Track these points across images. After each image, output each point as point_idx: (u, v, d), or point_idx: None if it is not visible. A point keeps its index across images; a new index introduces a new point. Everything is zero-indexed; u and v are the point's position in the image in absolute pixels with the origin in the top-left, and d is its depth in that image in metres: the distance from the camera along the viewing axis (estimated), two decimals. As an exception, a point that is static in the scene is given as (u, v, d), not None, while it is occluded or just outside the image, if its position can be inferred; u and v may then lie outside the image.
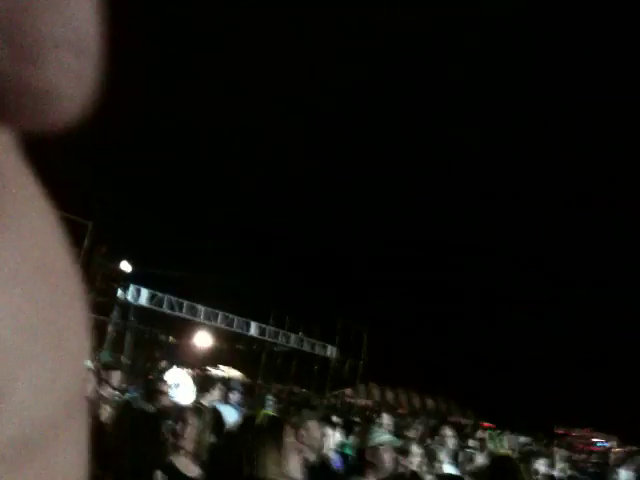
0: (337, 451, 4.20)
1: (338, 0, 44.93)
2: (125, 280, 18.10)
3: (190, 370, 12.58)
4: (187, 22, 46.93)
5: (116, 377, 5.25)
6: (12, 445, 0.16)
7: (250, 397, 11.37)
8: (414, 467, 4.10)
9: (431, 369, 36.72)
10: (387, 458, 3.33)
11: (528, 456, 4.63)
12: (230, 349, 28.42)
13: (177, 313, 20.06)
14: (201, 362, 24.01)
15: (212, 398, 5.36)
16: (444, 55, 48.12)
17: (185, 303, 20.19)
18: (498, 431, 8.69)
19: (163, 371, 7.56)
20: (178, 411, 3.38)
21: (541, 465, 4.35)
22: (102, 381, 4.92)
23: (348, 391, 29.95)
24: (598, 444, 20.46)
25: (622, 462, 6.88)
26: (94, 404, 4.16)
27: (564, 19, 43.08)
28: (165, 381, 5.35)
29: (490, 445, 5.48)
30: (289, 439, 2.02)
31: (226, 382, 6.07)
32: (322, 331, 25.42)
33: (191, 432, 3.12)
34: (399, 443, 3.74)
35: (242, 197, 45.75)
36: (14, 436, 0.16)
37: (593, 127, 44.65)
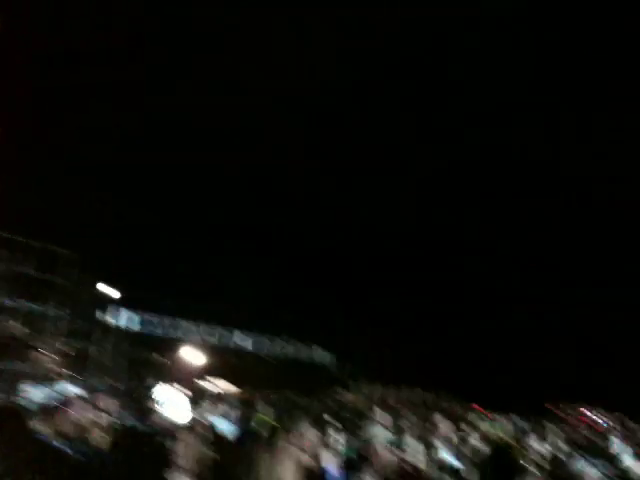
0: (336, 454, 4.21)
1: (338, 0, 44.91)
2: (114, 305, 18.18)
3: (182, 387, 12.58)
4: (187, 22, 46.96)
5: (112, 403, 5.24)
6: None
7: (244, 408, 11.38)
8: (410, 457, 4.12)
9: (417, 359, 36.84)
10: (382, 452, 3.34)
11: (523, 437, 4.67)
12: (220, 362, 28.56)
13: (167, 333, 20.07)
14: (193, 378, 24.08)
15: (206, 413, 5.38)
16: (444, 55, 48.06)
17: (174, 322, 20.25)
18: (489, 412, 8.79)
19: (149, 388, 7.54)
20: (173, 429, 3.40)
21: (536, 443, 4.39)
22: (96, 408, 4.93)
23: (339, 389, 30.02)
24: (593, 418, 20.77)
25: (616, 435, 6.98)
26: (90, 431, 4.17)
27: (564, 19, 43.06)
28: (153, 399, 5.34)
29: (482, 427, 5.54)
30: (283, 445, 2.05)
31: (219, 396, 6.06)
32: (310, 332, 25.56)
33: (187, 449, 3.16)
34: (393, 436, 3.74)
35: (242, 197, 45.77)
36: None
37: (593, 127, 44.61)
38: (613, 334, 38.11)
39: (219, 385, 25.43)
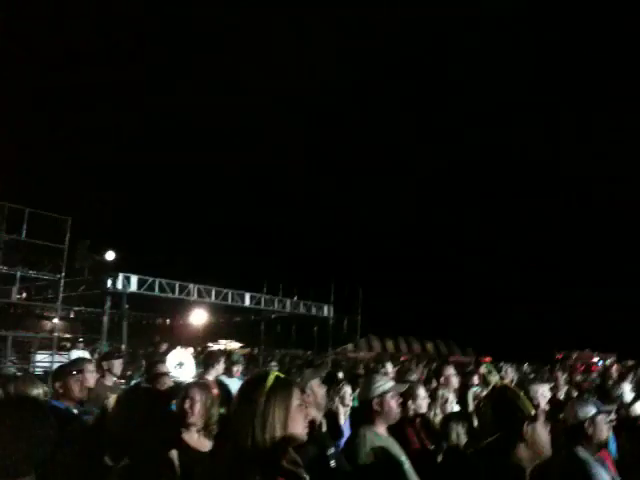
0: (346, 408, 4.16)
1: (338, 0, 45.13)
2: (113, 270, 18.10)
3: (191, 348, 12.50)
4: (187, 22, 47.10)
5: (118, 366, 5.19)
6: None
7: (254, 367, 11.28)
8: (422, 410, 4.04)
9: (427, 313, 36.93)
10: (394, 404, 3.27)
11: (529, 383, 4.61)
12: (228, 323, 28.64)
13: (169, 295, 19.96)
14: (200, 339, 24.06)
15: (216, 373, 5.34)
16: (444, 55, 48.32)
17: (177, 284, 20.13)
18: (496, 363, 8.73)
19: (165, 354, 7.50)
20: (184, 389, 3.34)
21: (545, 390, 4.32)
22: (104, 372, 4.90)
23: (350, 347, 30.14)
24: (599, 363, 21.02)
25: (622, 377, 6.94)
26: (100, 394, 4.12)
27: (564, 19, 43.25)
28: (166, 363, 5.29)
29: (493, 379, 5.47)
30: (295, 401, 1.97)
31: (228, 355, 6.02)
32: (317, 291, 25.50)
33: (199, 408, 3.11)
34: (404, 388, 3.67)
35: (242, 197, 45.80)
36: None
37: (593, 127, 44.74)
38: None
39: (226, 345, 25.52)
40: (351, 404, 4.23)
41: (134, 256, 21.24)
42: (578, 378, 8.21)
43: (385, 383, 3.40)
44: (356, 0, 44.82)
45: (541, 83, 48.04)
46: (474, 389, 5.00)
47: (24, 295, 18.04)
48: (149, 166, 41.14)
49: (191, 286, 20.82)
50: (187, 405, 3.13)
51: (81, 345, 14.86)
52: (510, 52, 44.36)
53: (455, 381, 4.81)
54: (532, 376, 8.07)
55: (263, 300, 23.50)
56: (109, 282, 17.83)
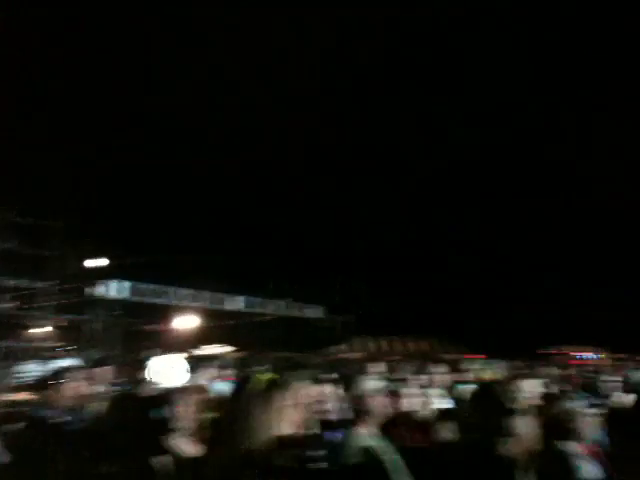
0: (335, 408, 4.15)
1: (338, 0, 45.11)
2: (103, 276, 18.09)
3: (179, 353, 12.47)
4: (187, 22, 47.11)
5: (108, 373, 5.17)
6: None
7: (244, 370, 11.22)
8: (411, 407, 4.04)
9: (419, 314, 36.83)
10: (381, 403, 3.28)
11: (520, 378, 4.64)
12: (218, 326, 28.45)
13: (159, 300, 19.91)
14: (190, 344, 23.98)
15: (205, 378, 5.31)
16: (444, 55, 48.26)
17: (170, 289, 20.09)
18: (489, 360, 8.79)
19: (145, 360, 7.43)
20: (170, 394, 3.33)
21: (536, 385, 4.34)
22: (94, 379, 4.88)
23: (343, 347, 30.10)
24: (584, 357, 21.42)
25: (613, 371, 7.00)
26: (87, 401, 4.11)
27: (564, 19, 43.22)
28: (149, 367, 5.24)
29: (485, 375, 5.51)
30: (280, 403, 1.95)
31: (215, 358, 6.01)
32: (311, 292, 25.29)
33: (189, 412, 3.10)
34: (391, 387, 3.67)
35: (242, 197, 45.73)
36: None
37: (593, 127, 44.68)
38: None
39: (215, 349, 25.38)
40: (342, 404, 4.22)
41: (124, 260, 21.16)
42: (569, 373, 8.27)
43: (375, 382, 3.41)
44: (356, 0, 44.74)
45: (541, 83, 48.00)
46: (466, 385, 5.04)
47: (16, 304, 18.01)
48: (149, 166, 41.07)
49: (180, 291, 20.77)
50: (177, 410, 3.12)
51: (72, 352, 14.82)
52: (510, 52, 44.36)
53: (446, 378, 4.82)
54: (524, 372, 8.13)
55: (256, 303, 23.46)
56: (101, 289, 17.81)
